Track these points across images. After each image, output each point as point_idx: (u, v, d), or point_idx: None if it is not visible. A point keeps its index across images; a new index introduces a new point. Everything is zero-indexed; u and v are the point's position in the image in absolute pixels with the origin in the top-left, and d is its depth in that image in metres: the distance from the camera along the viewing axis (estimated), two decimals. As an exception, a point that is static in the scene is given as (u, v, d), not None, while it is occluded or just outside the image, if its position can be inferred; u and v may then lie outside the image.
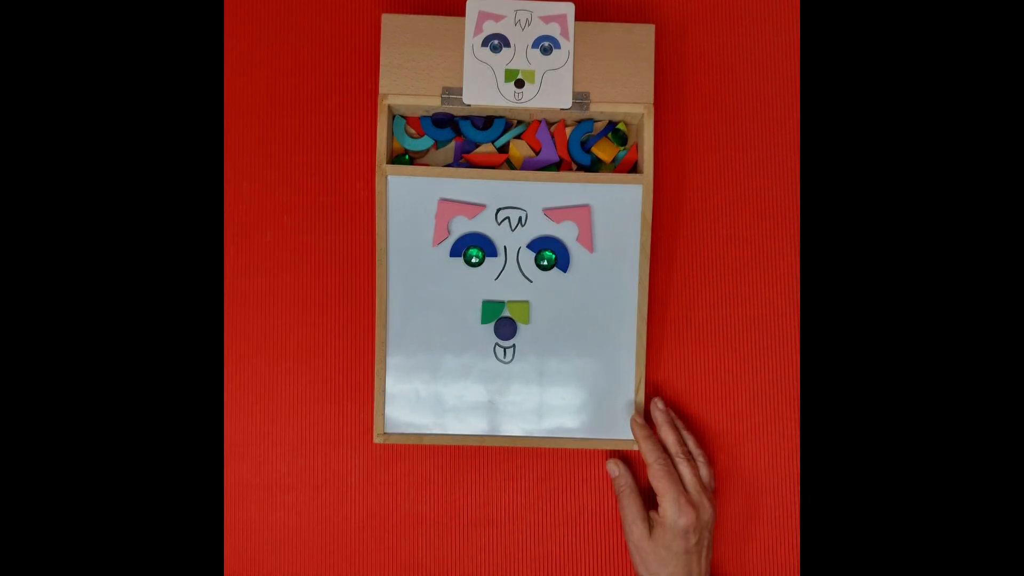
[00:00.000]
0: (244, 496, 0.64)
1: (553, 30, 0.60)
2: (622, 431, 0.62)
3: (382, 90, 0.60)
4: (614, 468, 0.62)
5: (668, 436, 0.61)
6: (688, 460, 0.60)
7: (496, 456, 0.65)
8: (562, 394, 0.62)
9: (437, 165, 0.64)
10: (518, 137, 0.64)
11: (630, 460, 0.64)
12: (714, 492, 0.62)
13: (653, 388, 0.66)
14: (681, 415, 0.65)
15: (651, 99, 0.61)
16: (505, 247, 0.62)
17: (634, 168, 0.64)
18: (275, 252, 0.65)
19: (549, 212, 0.62)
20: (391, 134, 0.63)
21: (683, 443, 0.61)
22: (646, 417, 0.63)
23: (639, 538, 0.59)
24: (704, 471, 0.61)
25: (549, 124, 0.64)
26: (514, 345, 0.62)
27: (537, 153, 0.64)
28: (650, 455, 0.59)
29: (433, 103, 0.61)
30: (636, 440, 0.61)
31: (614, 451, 0.64)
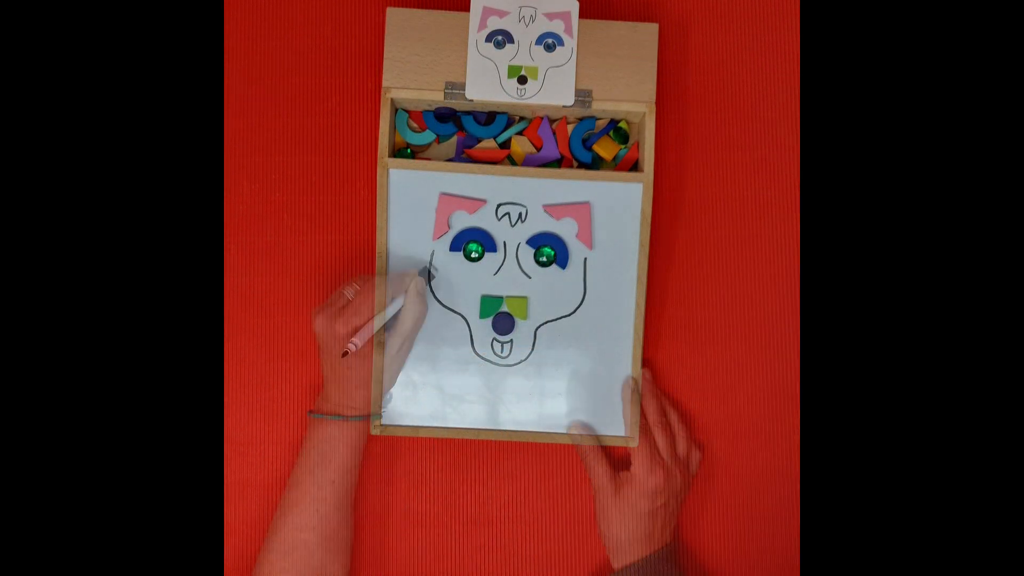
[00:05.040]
0: (244, 496, 0.64)
1: (557, 27, 0.60)
2: (619, 428, 0.62)
3: (385, 83, 0.60)
4: (576, 435, 0.62)
5: (650, 405, 0.62)
6: (664, 430, 0.61)
7: (495, 455, 0.65)
8: (559, 390, 0.62)
9: (439, 159, 0.64)
10: (520, 133, 0.64)
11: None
12: (694, 477, 0.64)
13: (654, 386, 0.65)
14: (680, 414, 0.65)
15: (653, 98, 0.61)
16: (505, 242, 0.62)
17: (635, 166, 0.64)
18: (275, 252, 0.65)
19: (549, 208, 0.62)
20: (393, 128, 0.63)
21: (664, 414, 0.62)
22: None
23: (606, 497, 0.60)
24: (682, 445, 0.62)
25: (551, 121, 0.64)
26: (512, 340, 0.62)
27: (538, 149, 0.64)
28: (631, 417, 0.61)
29: (436, 97, 0.61)
30: (622, 401, 0.62)
31: (612, 448, 0.64)
